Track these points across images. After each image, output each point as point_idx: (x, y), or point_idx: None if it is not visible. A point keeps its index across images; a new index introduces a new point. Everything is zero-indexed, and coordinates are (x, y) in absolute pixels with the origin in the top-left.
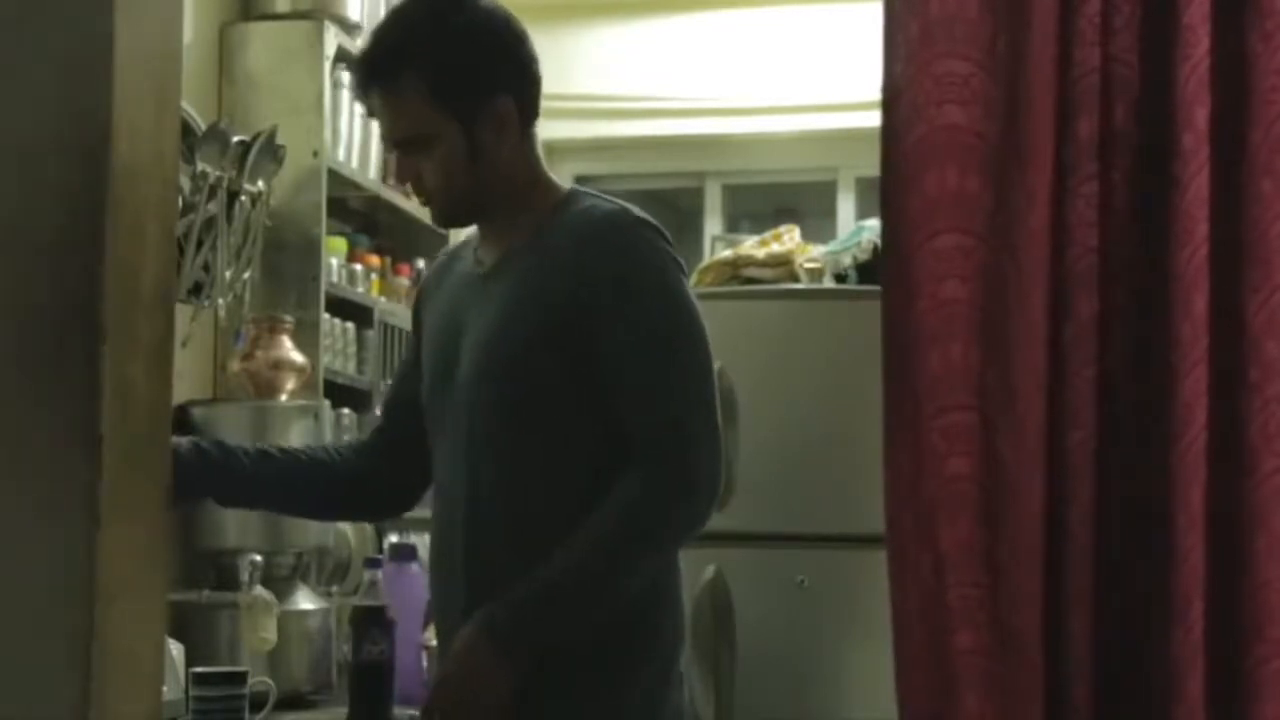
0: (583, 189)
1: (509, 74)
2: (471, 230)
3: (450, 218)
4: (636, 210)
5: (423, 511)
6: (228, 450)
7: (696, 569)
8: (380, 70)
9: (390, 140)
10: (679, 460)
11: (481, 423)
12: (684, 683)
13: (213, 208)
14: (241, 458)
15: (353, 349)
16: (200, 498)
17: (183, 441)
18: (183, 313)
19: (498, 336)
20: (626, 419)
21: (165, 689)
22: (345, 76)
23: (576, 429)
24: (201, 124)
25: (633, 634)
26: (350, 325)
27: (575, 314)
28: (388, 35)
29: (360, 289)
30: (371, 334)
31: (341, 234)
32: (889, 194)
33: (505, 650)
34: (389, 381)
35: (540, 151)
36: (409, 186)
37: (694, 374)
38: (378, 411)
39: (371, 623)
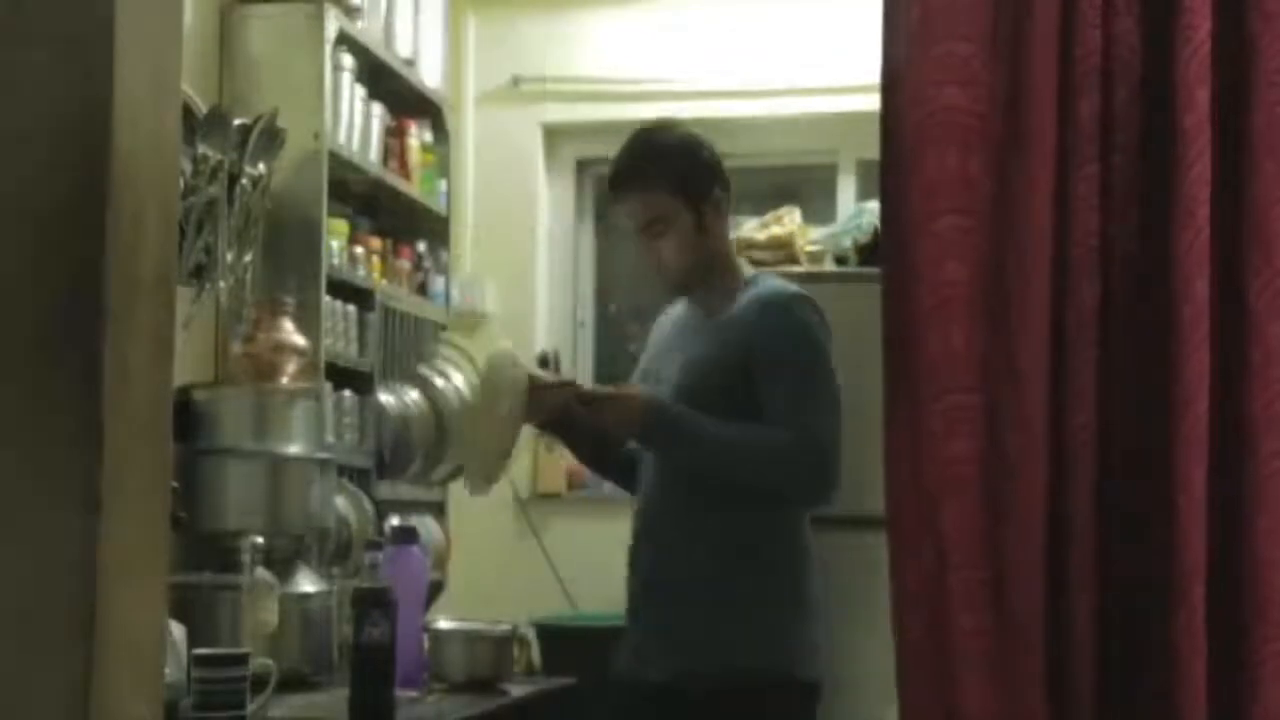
0: (763, 273)
1: (719, 175)
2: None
3: (682, 285)
4: (801, 290)
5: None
6: None
7: None
8: (636, 170)
9: (639, 226)
10: (815, 445)
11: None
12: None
13: (214, 191)
14: None
15: (354, 332)
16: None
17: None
18: (184, 296)
19: (701, 372)
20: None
21: (167, 671)
22: (346, 59)
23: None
24: (202, 107)
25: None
26: (351, 308)
27: (750, 362)
28: (637, 147)
29: (361, 272)
30: (373, 317)
31: (342, 217)
32: (889, 176)
33: (658, 416)
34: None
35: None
36: (654, 266)
37: (831, 404)
38: (380, 395)
39: (372, 605)
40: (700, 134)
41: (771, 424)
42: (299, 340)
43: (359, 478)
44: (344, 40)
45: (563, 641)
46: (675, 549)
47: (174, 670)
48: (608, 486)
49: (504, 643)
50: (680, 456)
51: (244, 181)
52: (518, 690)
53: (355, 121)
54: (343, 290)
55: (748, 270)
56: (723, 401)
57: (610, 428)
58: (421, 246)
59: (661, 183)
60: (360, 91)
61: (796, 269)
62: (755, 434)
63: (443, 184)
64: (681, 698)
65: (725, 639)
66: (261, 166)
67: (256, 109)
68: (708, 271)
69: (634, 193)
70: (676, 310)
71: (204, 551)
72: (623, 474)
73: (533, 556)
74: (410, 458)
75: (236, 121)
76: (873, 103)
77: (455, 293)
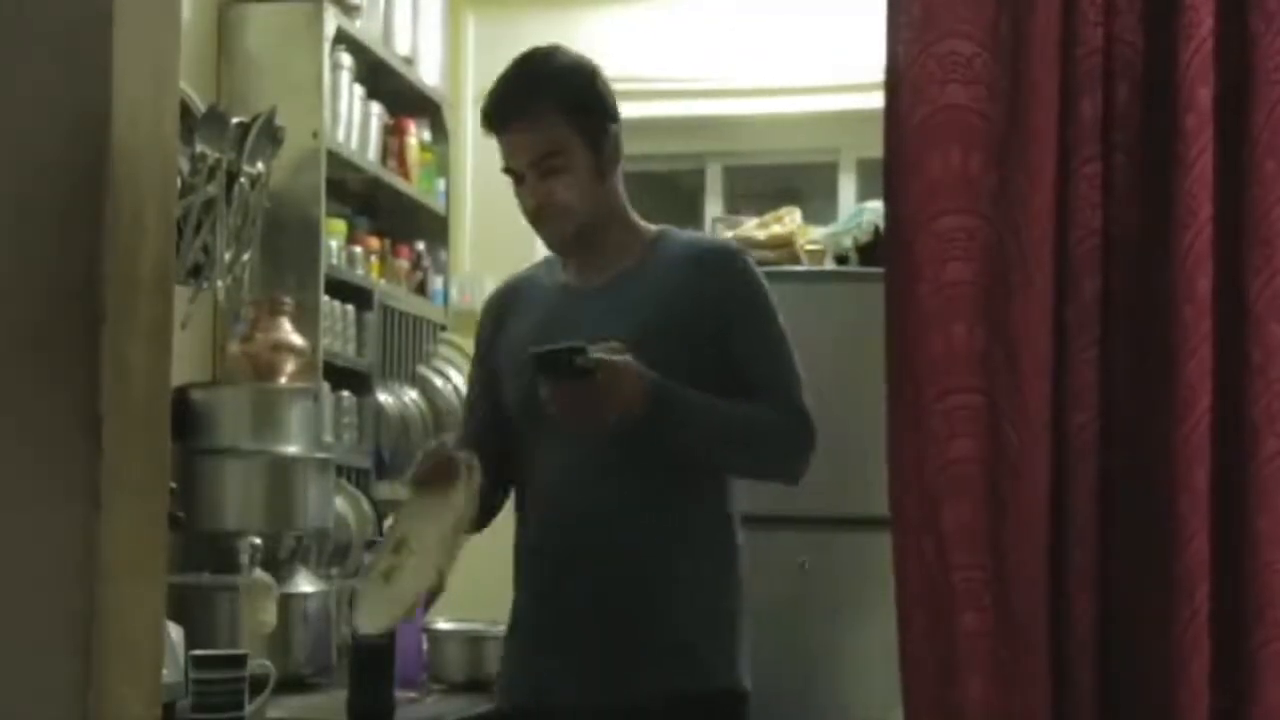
0: (669, 227)
1: (613, 107)
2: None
3: (579, 238)
4: (733, 243)
5: None
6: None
7: None
8: (520, 98)
9: (526, 162)
10: (803, 420)
11: None
12: None
13: (212, 189)
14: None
15: (352, 331)
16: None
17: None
18: (182, 295)
19: (645, 341)
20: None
21: (165, 671)
22: (345, 58)
23: None
24: (201, 105)
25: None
26: (350, 307)
27: (711, 323)
28: (524, 71)
29: (360, 271)
30: (371, 316)
31: (341, 216)
32: (892, 175)
33: (653, 395)
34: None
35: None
36: (533, 212)
37: (796, 362)
38: (378, 395)
39: None
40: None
41: (752, 390)
42: (297, 340)
43: (358, 478)
44: (343, 39)
45: None
46: (596, 561)
47: (172, 671)
48: None
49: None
50: (684, 440)
51: (242, 180)
52: None
53: (354, 120)
54: (341, 290)
55: (646, 225)
56: (672, 375)
57: (600, 410)
58: (420, 246)
59: (555, 111)
60: (359, 90)
61: (797, 268)
62: (755, 410)
63: (441, 183)
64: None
65: (657, 658)
66: (260, 165)
67: (255, 107)
68: (608, 221)
69: (523, 123)
70: (537, 279)
71: (202, 552)
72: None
73: None
74: (409, 458)
75: (235, 120)
76: (873, 101)
77: (454, 292)
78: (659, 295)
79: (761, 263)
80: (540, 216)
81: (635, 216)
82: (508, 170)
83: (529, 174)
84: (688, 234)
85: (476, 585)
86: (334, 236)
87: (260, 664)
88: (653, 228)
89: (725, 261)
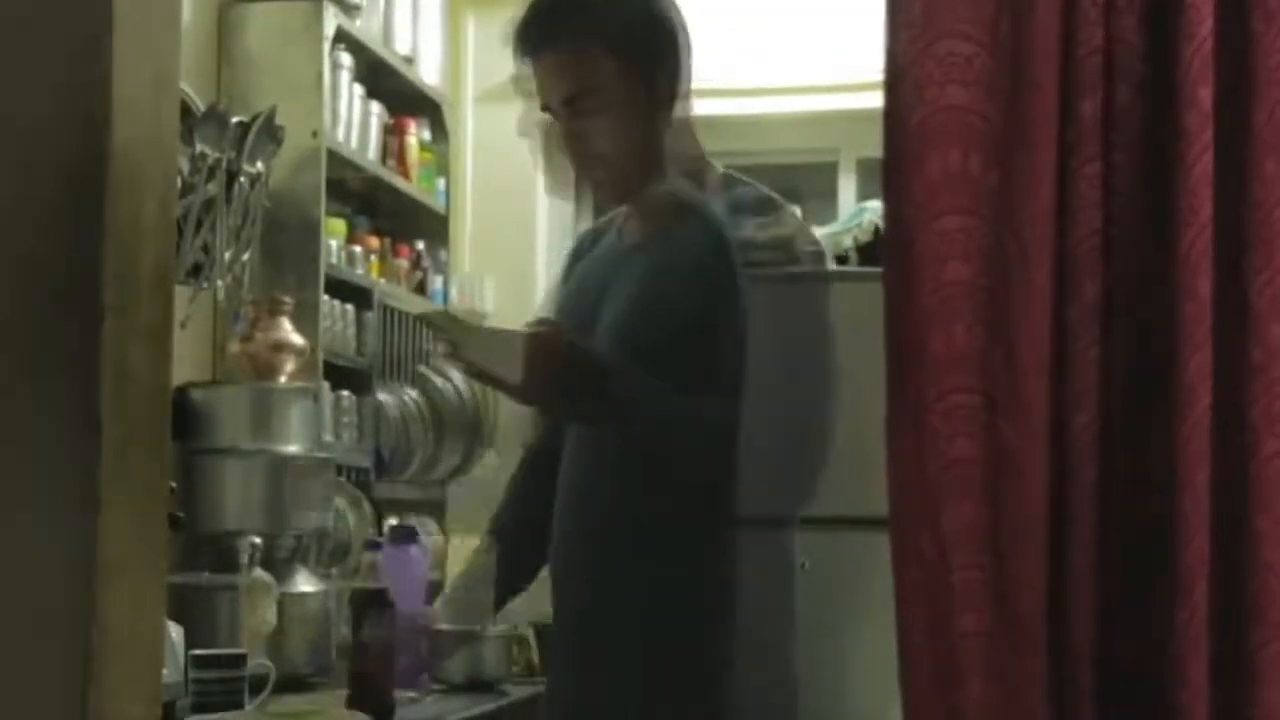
0: (735, 176)
1: (676, 33)
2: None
3: (611, 189)
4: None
5: None
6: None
7: None
8: (551, 23)
9: (558, 100)
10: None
11: None
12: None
13: (212, 189)
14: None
15: (352, 331)
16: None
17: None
18: (181, 294)
19: (633, 322)
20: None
21: (165, 671)
22: (345, 57)
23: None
24: (200, 105)
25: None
26: (350, 307)
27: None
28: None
29: (360, 270)
30: (371, 316)
31: (341, 215)
32: (891, 175)
33: (571, 358)
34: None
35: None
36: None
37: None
38: (377, 394)
39: (371, 605)
40: None
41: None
42: (297, 339)
43: (358, 477)
44: (342, 38)
45: None
46: (597, 581)
47: (172, 671)
48: None
49: (504, 643)
50: (596, 399)
51: (242, 180)
52: (517, 691)
53: (354, 120)
54: (341, 289)
55: (710, 169)
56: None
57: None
58: (420, 245)
59: (595, 41)
60: (359, 89)
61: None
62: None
63: (441, 182)
64: None
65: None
66: (260, 165)
67: (255, 107)
68: (656, 168)
69: (554, 54)
70: (611, 226)
71: (202, 551)
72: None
73: None
74: (409, 458)
75: (234, 119)
76: (873, 101)
77: (454, 291)
78: (658, 280)
79: (761, 264)
80: (575, 161)
81: (699, 159)
82: (543, 106)
83: (561, 112)
84: (740, 195)
85: None
86: (334, 236)
87: (260, 663)
88: (718, 172)
89: (721, 264)
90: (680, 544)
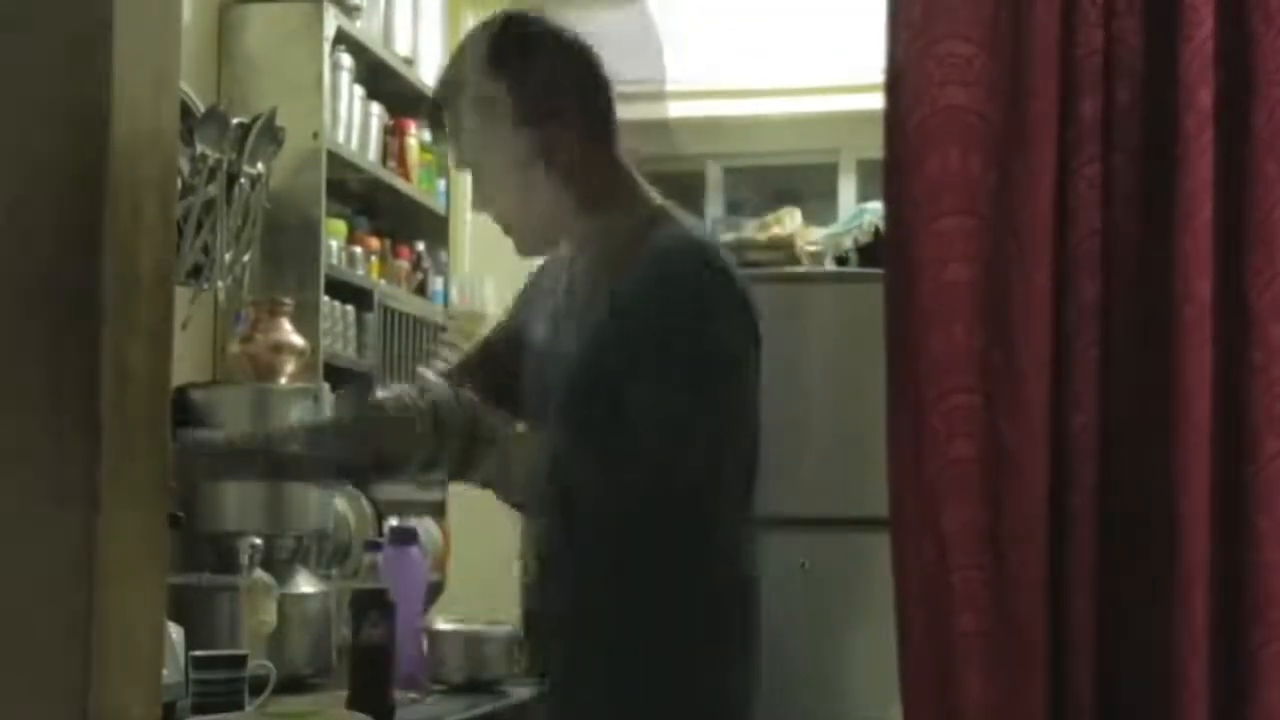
0: (667, 216)
1: (587, 72)
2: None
3: (528, 247)
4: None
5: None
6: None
7: None
8: (454, 70)
9: (462, 167)
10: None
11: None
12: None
13: (212, 190)
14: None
15: (353, 332)
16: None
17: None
18: (182, 295)
19: (586, 372)
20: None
21: (165, 672)
22: (345, 58)
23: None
24: (200, 106)
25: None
26: (350, 308)
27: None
28: (465, 42)
29: (360, 271)
30: (371, 317)
31: (341, 216)
32: (892, 176)
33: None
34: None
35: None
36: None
37: None
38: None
39: (371, 606)
40: (566, 29)
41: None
42: (297, 340)
43: None
44: (343, 39)
45: None
46: (580, 579)
47: (172, 671)
48: None
49: (504, 643)
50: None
51: (242, 181)
52: (517, 691)
53: (354, 120)
54: (341, 290)
55: (645, 204)
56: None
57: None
58: (420, 246)
59: (459, 105)
60: (359, 90)
61: (797, 270)
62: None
63: (442, 183)
64: None
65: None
66: (260, 166)
67: (255, 108)
68: (565, 214)
69: (445, 126)
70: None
71: (202, 552)
72: None
73: None
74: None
75: (235, 120)
76: (874, 102)
77: (454, 293)
78: (609, 326)
79: (761, 264)
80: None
81: (628, 195)
82: None
83: (458, 169)
84: (668, 243)
85: (477, 585)
86: (334, 237)
87: (260, 664)
88: (653, 204)
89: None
90: (669, 545)
